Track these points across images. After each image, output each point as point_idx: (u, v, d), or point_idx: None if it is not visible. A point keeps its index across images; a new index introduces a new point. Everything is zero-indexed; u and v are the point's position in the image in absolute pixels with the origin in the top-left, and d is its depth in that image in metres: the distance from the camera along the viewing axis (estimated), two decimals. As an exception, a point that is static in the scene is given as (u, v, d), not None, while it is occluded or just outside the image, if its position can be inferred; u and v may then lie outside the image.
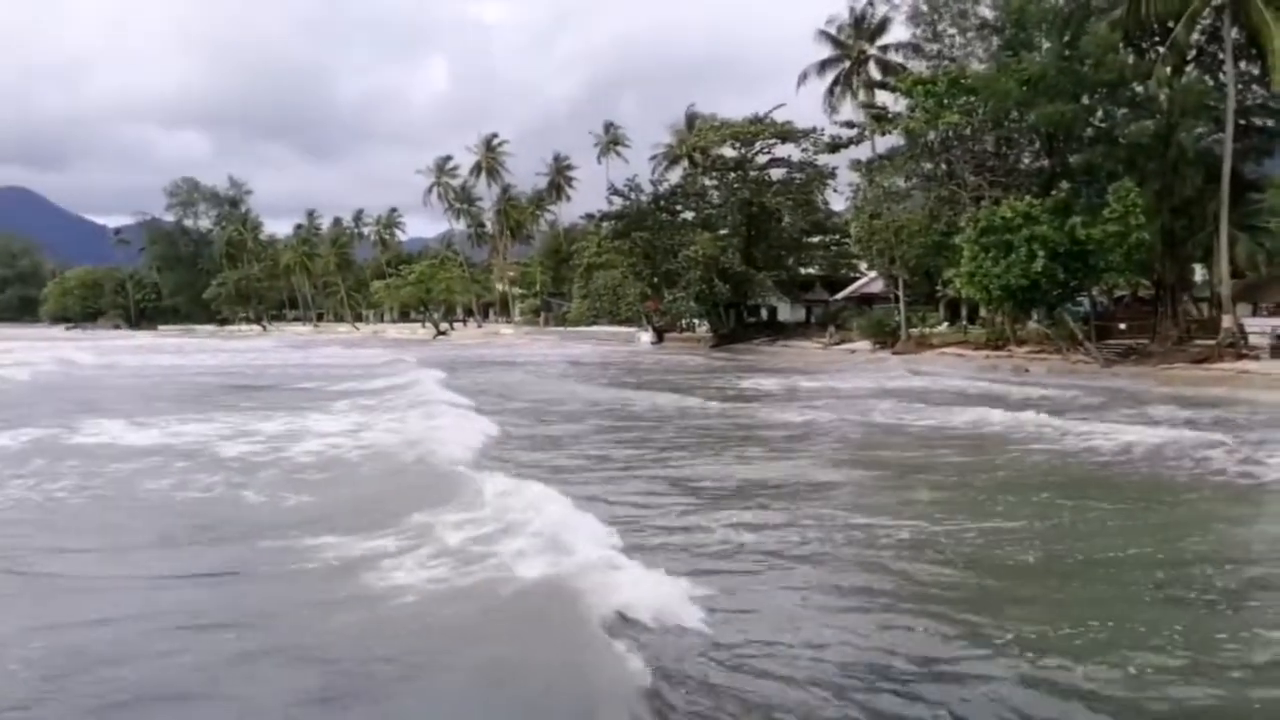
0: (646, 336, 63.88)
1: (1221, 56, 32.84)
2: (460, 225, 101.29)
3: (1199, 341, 32.60)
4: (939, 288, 42.78)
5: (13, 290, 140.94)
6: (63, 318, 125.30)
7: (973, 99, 37.25)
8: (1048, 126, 35.44)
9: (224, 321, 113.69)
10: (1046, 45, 35.51)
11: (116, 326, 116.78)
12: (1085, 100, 35.11)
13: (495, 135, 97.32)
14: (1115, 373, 30.62)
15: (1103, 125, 36.33)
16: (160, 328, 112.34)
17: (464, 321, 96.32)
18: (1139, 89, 34.56)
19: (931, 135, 39.74)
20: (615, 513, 9.35)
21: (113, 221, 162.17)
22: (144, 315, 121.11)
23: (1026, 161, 40.47)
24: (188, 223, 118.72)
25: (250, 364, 41.01)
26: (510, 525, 7.96)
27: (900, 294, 44.16)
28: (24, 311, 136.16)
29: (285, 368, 38.27)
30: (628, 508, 9.95)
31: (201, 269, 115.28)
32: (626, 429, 17.31)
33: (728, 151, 56.22)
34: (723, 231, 55.45)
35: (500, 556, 7.17)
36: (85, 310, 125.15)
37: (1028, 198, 34.05)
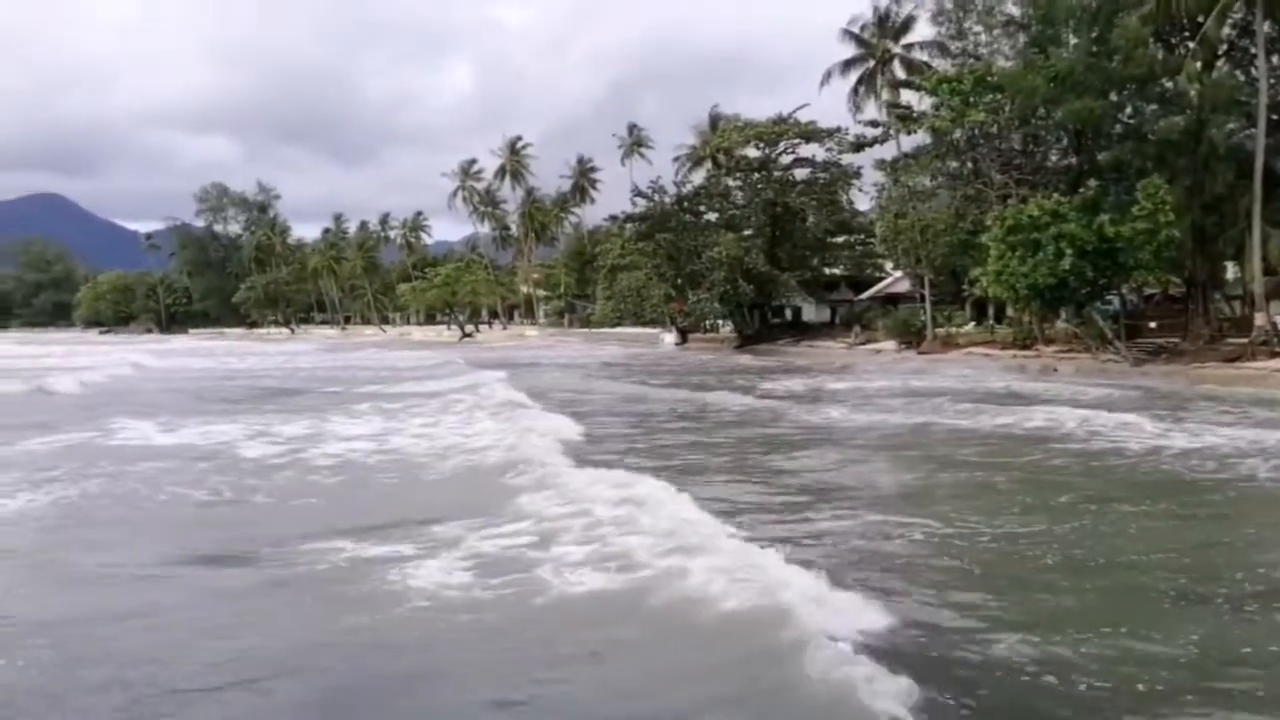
0: (670, 338, 63.89)
1: (1253, 51, 32.32)
2: (485, 228, 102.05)
3: (1231, 340, 32.10)
4: (965, 287, 42.47)
5: (46, 295, 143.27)
6: (95, 322, 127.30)
7: (999, 97, 36.96)
8: (1076, 123, 35.07)
9: (253, 325, 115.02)
10: (1074, 41, 35.12)
11: (148, 330, 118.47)
12: (1114, 96, 34.71)
13: (519, 138, 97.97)
14: (1145, 372, 30.24)
15: (1131, 121, 35.90)
16: (191, 331, 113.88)
17: (489, 324, 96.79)
18: (1169, 84, 34.09)
19: (957, 134, 39.49)
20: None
21: (141, 226, 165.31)
22: (174, 319, 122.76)
23: (1054, 159, 40.09)
24: (217, 228, 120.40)
25: (309, 367, 42.28)
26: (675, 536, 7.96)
27: (926, 293, 43.88)
28: (57, 316, 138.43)
29: (347, 370, 39.28)
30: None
31: (231, 273, 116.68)
32: (699, 429, 17.88)
33: (751, 152, 56.11)
34: (747, 232, 55.33)
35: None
36: (117, 315, 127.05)
37: (1055, 195, 33.73)
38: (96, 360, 43.11)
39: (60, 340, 78.21)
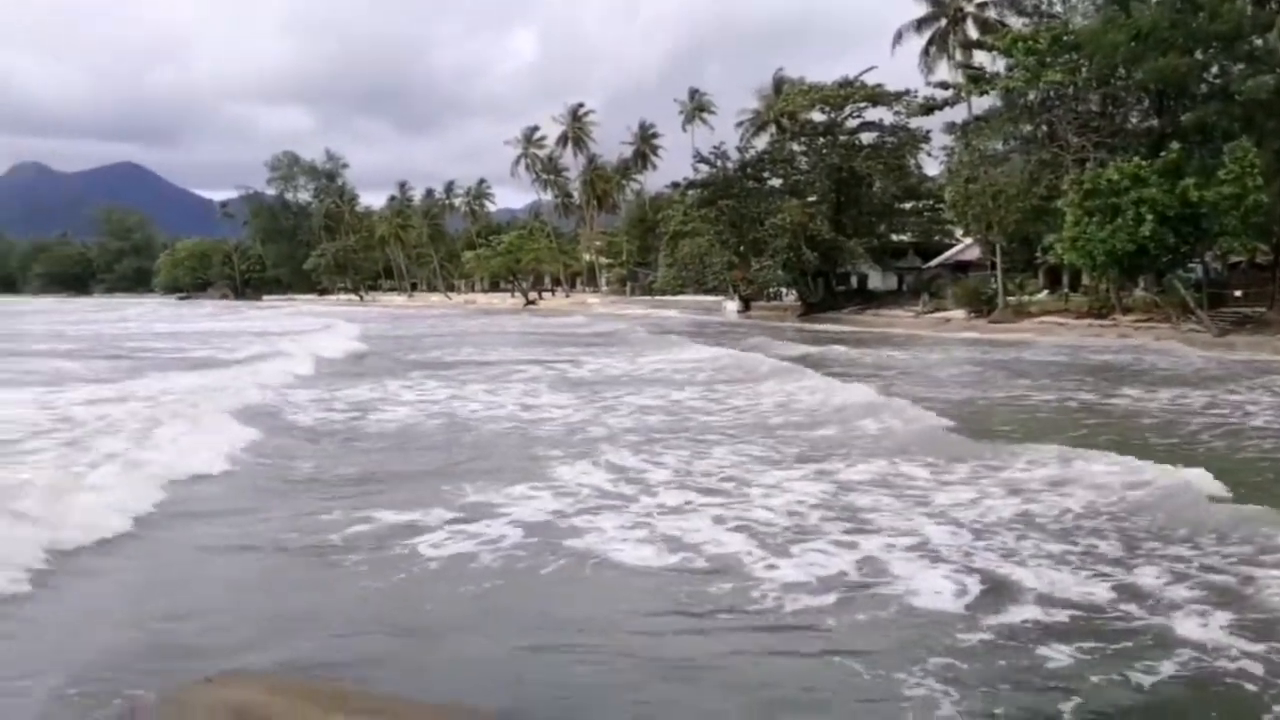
0: (732, 305, 63.57)
1: (1353, 4, 30.62)
2: (547, 196, 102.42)
3: (1322, 310, 30.80)
4: (1038, 254, 41.38)
5: (128, 261, 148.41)
6: (174, 288, 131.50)
7: (1076, 56, 35.63)
8: (1158, 83, 33.70)
9: (323, 291, 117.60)
10: (1157, -3, 33.66)
11: (224, 296, 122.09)
12: (1199, 54, 33.17)
13: (581, 105, 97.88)
14: (1230, 343, 29.16)
15: (1218, 81, 34.28)
16: (265, 298, 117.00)
17: (551, 291, 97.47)
18: (1258, 41, 32.43)
19: (1031, 95, 38.26)
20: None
21: (218, 195, 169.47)
22: (249, 285, 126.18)
23: (1134, 121, 38.63)
24: (288, 196, 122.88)
25: (477, 329, 45.44)
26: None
27: (997, 261, 42.83)
28: (138, 283, 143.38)
29: (540, 332, 41.60)
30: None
31: (301, 241, 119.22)
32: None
33: (816, 116, 55.14)
34: (811, 198, 54.53)
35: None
36: (195, 281, 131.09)
37: (1135, 159, 32.59)
38: (284, 325, 46.53)
39: (177, 310, 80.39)
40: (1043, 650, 5.20)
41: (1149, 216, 30.75)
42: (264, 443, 11.89)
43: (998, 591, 6.19)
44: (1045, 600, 6.01)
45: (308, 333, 39.18)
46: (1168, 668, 4.98)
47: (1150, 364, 24.17)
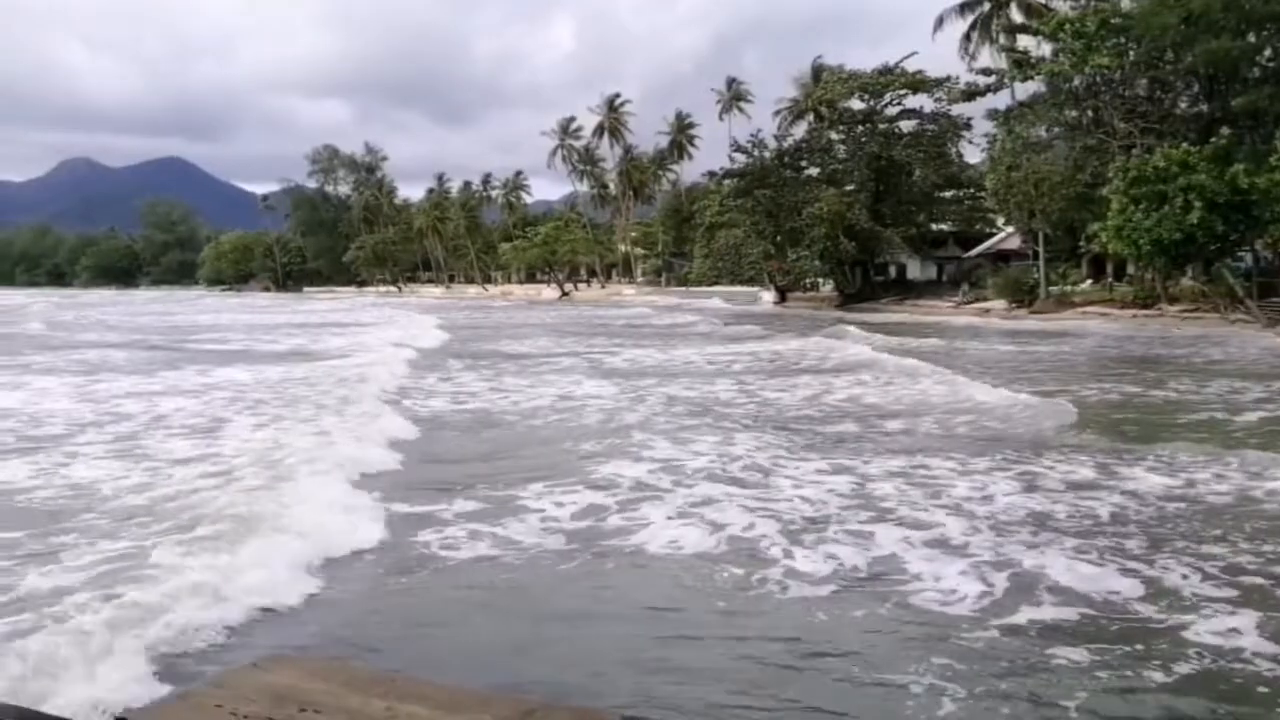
0: (768, 296, 63.26)
1: None
2: (583, 187, 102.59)
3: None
4: (1082, 243, 40.61)
5: (172, 254, 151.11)
6: (217, 281, 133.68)
7: (1124, 40, 34.86)
8: (1208, 67, 32.89)
9: (362, 284, 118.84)
10: (1209, -23, 32.79)
11: (266, 289, 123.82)
12: (1252, 37, 32.33)
13: (618, 95, 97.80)
14: (1280, 333, 28.44)
15: (1271, 64, 33.39)
16: (305, 289, 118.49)
17: (587, 282, 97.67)
18: (1316, 22, 31.58)
19: (1077, 80, 37.51)
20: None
21: (259, 188, 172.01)
22: (290, 278, 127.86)
23: (1183, 106, 37.76)
24: (328, 189, 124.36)
25: (560, 320, 45.95)
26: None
27: (1040, 250, 42.09)
28: (182, 275, 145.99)
29: (619, 321, 42.50)
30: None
31: (341, 233, 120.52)
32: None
33: (856, 104, 54.57)
34: (849, 187, 54.03)
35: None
36: (238, 273, 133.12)
37: (1184, 145, 31.85)
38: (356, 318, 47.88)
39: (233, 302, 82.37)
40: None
41: (1197, 204, 30.06)
42: (425, 434, 12.19)
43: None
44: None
45: (380, 325, 40.44)
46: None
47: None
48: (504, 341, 30.55)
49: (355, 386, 16.34)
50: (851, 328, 30.98)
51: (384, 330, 35.77)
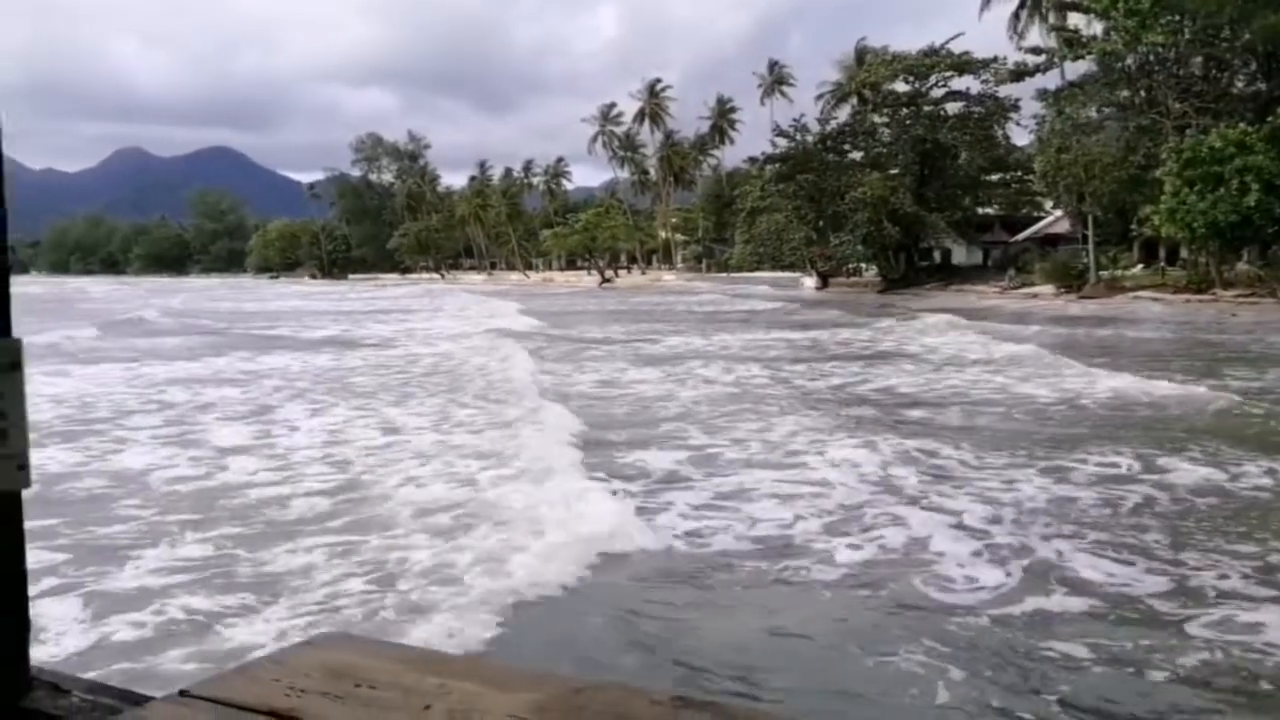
0: (810, 282, 62.77)
1: None
2: (624, 173, 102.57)
3: None
4: (1133, 227, 39.73)
5: (222, 243, 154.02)
6: (265, 268, 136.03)
7: (1178, 17, 33.95)
8: (1267, 43, 31.98)
9: (406, 271, 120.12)
10: (1270, -50, 31.77)
11: (312, 276, 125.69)
12: (1315, 11, 31.30)
13: (659, 81, 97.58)
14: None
15: (1336, 39, 32.34)
16: (350, 277, 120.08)
17: (628, 268, 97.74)
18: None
19: (1130, 59, 36.68)
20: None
21: (305, 177, 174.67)
22: (335, 265, 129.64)
23: (1240, 85, 36.79)
24: (372, 177, 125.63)
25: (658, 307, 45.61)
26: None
27: (1089, 234, 41.24)
28: (231, 263, 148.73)
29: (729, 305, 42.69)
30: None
31: (385, 221, 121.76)
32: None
33: (900, 86, 53.86)
34: (893, 171, 53.38)
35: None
36: (284, 261, 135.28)
37: (1241, 125, 30.99)
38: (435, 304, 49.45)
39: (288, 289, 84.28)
40: None
41: (1254, 186, 29.30)
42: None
43: None
44: None
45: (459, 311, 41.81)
46: None
47: None
48: (612, 326, 30.85)
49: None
50: (944, 315, 30.24)
51: (489, 318, 35.93)
